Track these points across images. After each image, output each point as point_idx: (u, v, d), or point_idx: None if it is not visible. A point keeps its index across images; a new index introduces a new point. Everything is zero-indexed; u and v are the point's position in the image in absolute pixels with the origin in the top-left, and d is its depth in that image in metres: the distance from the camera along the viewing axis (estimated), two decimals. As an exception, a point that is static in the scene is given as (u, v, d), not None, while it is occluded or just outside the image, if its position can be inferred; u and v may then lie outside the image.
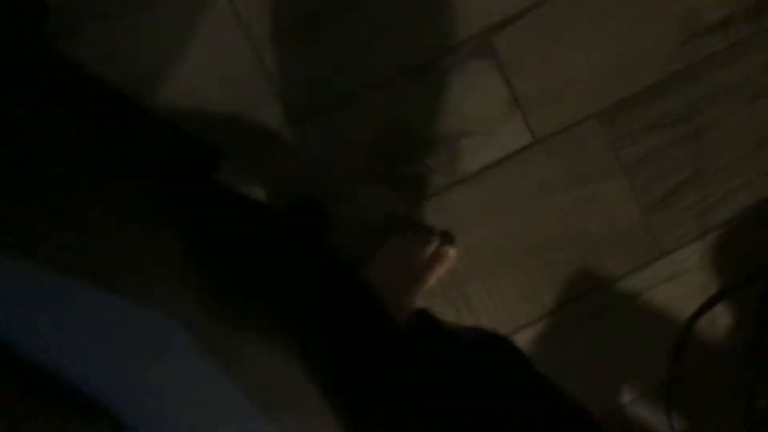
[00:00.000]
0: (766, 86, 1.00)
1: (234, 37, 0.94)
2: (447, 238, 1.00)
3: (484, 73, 0.98)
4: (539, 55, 0.98)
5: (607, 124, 0.99)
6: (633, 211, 1.01)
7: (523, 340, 1.04)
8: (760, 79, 1.00)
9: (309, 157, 0.98)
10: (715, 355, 1.06)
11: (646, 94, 0.99)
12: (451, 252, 0.99)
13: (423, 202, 1.00)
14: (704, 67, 0.99)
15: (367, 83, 0.97)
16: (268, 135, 0.97)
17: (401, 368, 0.62)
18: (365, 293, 0.73)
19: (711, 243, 1.03)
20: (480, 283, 1.02)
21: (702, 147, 1.01)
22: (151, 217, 0.59)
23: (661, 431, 1.06)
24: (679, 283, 1.03)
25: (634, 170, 1.00)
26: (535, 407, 0.52)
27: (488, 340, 0.74)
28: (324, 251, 0.93)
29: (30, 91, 0.53)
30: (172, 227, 0.59)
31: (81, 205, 0.55)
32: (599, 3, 0.98)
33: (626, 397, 1.05)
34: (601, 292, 1.03)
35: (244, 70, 0.95)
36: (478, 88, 0.98)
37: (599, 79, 0.99)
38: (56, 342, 0.59)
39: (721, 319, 1.05)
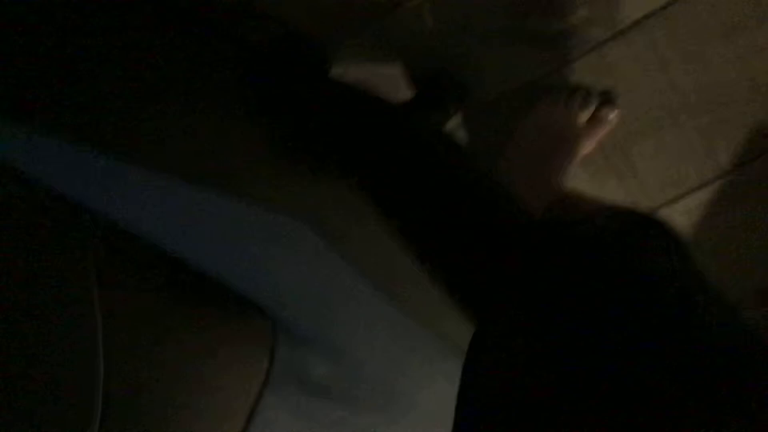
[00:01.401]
0: None
1: None
2: (607, 98, 0.90)
3: None
4: None
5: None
6: (833, 51, 0.85)
7: (695, 203, 0.95)
8: None
9: (442, 22, 0.89)
10: None
11: None
12: (613, 114, 0.89)
13: (577, 61, 0.89)
14: None
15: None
16: (396, 2, 0.88)
17: (526, 265, 0.57)
18: (489, 183, 0.67)
19: None
20: (645, 144, 0.92)
21: None
22: (270, 124, 0.56)
23: None
24: None
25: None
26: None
27: (631, 229, 0.65)
28: (445, 139, 0.86)
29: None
30: (290, 130, 0.57)
31: (205, 115, 0.52)
32: None
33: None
34: (788, 149, 0.91)
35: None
36: None
37: None
38: (211, 249, 0.59)
39: None
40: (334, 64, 0.90)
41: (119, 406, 0.44)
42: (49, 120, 0.48)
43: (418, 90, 0.94)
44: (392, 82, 0.93)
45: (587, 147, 0.91)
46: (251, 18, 0.71)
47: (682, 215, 0.96)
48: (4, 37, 0.45)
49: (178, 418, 0.50)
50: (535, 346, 0.47)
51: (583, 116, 0.90)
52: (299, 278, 0.63)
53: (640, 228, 0.66)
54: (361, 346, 0.66)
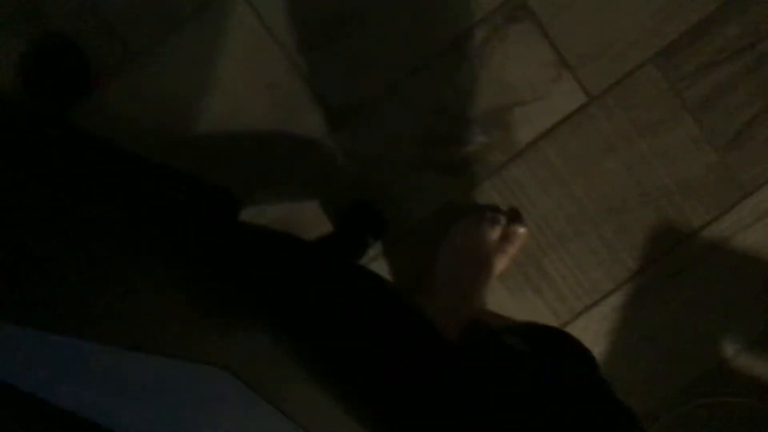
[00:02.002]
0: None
1: (264, 48, 0.90)
2: (515, 216, 0.95)
3: (524, 37, 0.92)
4: (578, 7, 0.92)
5: (664, 68, 0.93)
6: (706, 154, 0.94)
7: (611, 306, 0.99)
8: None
9: (355, 157, 0.94)
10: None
11: (700, 28, 0.93)
12: (521, 230, 0.94)
13: (482, 184, 0.95)
14: (759, -12, 0.92)
15: (403, 71, 0.92)
16: (313, 142, 0.93)
17: (449, 386, 0.60)
18: (414, 315, 0.70)
19: (794, 174, 0.96)
20: (555, 255, 0.97)
21: (769, 74, 0.94)
22: (182, 273, 0.56)
23: (771, 379, 1.01)
24: (765, 224, 0.97)
25: (701, 111, 0.94)
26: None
27: (543, 344, 0.69)
28: (368, 276, 0.89)
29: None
30: (204, 280, 0.57)
31: (99, 267, 0.52)
32: (635, -59, 0.91)
33: (730, 350, 0.99)
34: (685, 246, 0.97)
35: (282, 79, 0.91)
36: (520, 54, 0.92)
37: (648, 21, 0.92)
38: (134, 412, 0.57)
39: (816, 252, 0.99)
40: (249, 205, 0.92)
41: None
42: None
43: (337, 224, 0.97)
44: (313, 218, 0.95)
45: (502, 264, 0.95)
46: (160, 179, 0.73)
47: (600, 321, 1.00)
48: None
49: None
50: None
51: (494, 234, 0.94)
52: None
53: (548, 341, 0.69)
54: None
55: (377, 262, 0.97)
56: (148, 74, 0.89)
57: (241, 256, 0.66)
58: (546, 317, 0.99)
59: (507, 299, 0.99)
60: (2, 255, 0.47)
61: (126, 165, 0.59)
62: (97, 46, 0.89)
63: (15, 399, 0.51)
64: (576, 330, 0.99)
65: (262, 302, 0.63)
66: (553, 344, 0.67)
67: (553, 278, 0.98)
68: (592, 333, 0.98)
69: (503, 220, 0.94)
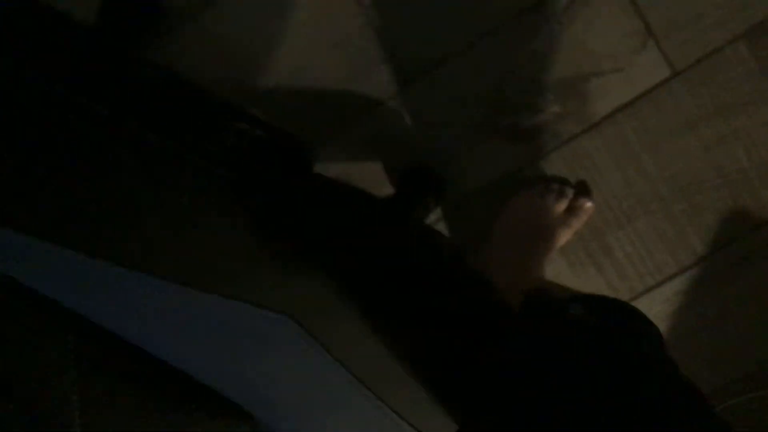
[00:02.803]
0: None
1: (338, 1, 0.88)
2: (583, 189, 0.93)
3: (610, 3, 0.88)
4: (669, -25, 0.88)
5: (754, 47, 0.88)
6: (791, 139, 0.90)
7: (672, 290, 0.96)
8: None
9: (421, 119, 0.92)
10: None
11: (798, 5, 0.87)
12: (588, 204, 0.92)
13: (552, 154, 0.92)
14: None
15: (479, 31, 0.89)
16: (378, 101, 0.91)
17: (503, 353, 0.59)
18: (472, 276, 0.68)
19: None
20: (621, 233, 0.94)
21: None
22: (252, 220, 0.56)
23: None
24: None
25: (790, 94, 0.89)
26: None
27: (610, 317, 0.67)
28: (427, 232, 0.87)
29: (114, 93, 0.51)
30: (269, 224, 0.57)
31: (173, 209, 0.52)
32: None
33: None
34: (757, 233, 0.93)
35: (354, 35, 0.89)
36: (603, 21, 0.88)
37: (744, -5, 0.87)
38: (182, 346, 0.57)
39: None
40: (317, 160, 0.91)
41: None
42: (44, 226, 0.47)
43: (399, 185, 0.95)
44: (373, 178, 0.94)
45: (564, 237, 0.93)
46: (236, 121, 0.72)
47: (661, 303, 0.97)
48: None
49: None
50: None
51: (560, 207, 0.91)
52: (285, 378, 0.61)
53: (614, 315, 0.67)
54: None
55: (437, 227, 0.96)
56: (224, 21, 0.88)
57: (315, 204, 0.66)
58: (605, 294, 0.96)
59: (566, 272, 0.97)
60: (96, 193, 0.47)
61: (208, 103, 0.59)
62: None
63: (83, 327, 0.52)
64: (635, 310, 0.97)
65: (330, 252, 0.63)
66: (620, 318, 0.65)
67: (616, 256, 0.95)
68: (653, 315, 0.96)
69: (570, 192, 0.91)
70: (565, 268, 0.96)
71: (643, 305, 0.96)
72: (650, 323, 0.66)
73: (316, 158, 0.90)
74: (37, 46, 0.47)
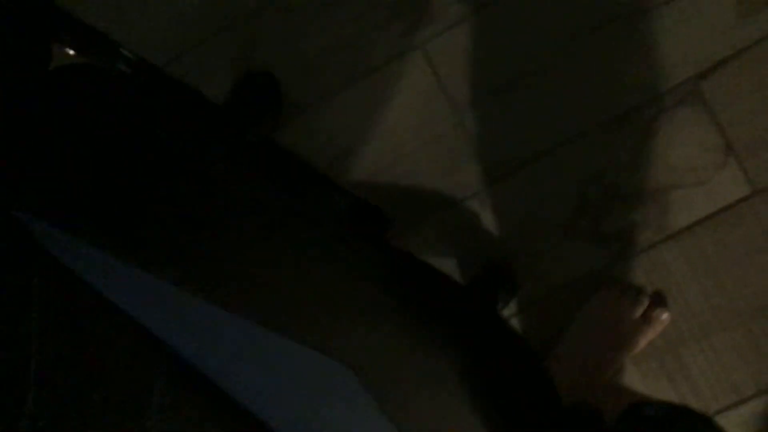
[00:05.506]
0: None
1: (435, 102, 0.96)
2: (659, 299, 0.93)
3: (693, 121, 0.92)
4: (752, 98, 0.91)
5: (840, 170, 0.89)
6: None
7: (751, 411, 0.93)
8: None
9: (504, 216, 0.96)
10: None
11: None
12: (664, 315, 0.92)
13: (629, 260, 0.94)
14: None
15: (565, 139, 0.94)
16: (464, 196, 0.97)
17: None
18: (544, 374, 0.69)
19: None
20: (696, 347, 0.93)
21: None
22: (333, 267, 0.60)
23: None
24: None
25: None
26: None
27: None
28: (501, 323, 0.89)
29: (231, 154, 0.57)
30: (353, 276, 0.60)
31: (274, 256, 0.57)
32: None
33: None
34: (843, 360, 0.91)
35: (445, 133, 0.96)
36: (686, 137, 0.92)
37: (828, 122, 0.89)
38: (255, 385, 0.60)
39: None
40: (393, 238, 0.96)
41: None
42: (154, 258, 0.52)
43: (472, 278, 0.98)
44: (447, 271, 0.98)
45: (638, 345, 0.93)
46: (333, 191, 0.79)
47: (737, 426, 0.94)
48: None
49: None
50: None
51: (635, 313, 0.92)
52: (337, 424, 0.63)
53: (688, 420, 0.66)
54: None
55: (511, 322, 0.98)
56: (332, 113, 0.97)
57: (392, 269, 0.69)
58: (678, 409, 0.94)
59: (638, 383, 0.95)
60: (208, 236, 0.52)
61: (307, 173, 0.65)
62: (292, 84, 0.99)
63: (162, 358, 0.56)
64: None
65: (401, 313, 0.66)
66: (696, 424, 0.65)
67: (690, 370, 0.94)
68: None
69: (646, 300, 0.92)
70: (637, 378, 0.95)
71: (718, 424, 0.93)
72: None
73: (389, 226, 0.95)
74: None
